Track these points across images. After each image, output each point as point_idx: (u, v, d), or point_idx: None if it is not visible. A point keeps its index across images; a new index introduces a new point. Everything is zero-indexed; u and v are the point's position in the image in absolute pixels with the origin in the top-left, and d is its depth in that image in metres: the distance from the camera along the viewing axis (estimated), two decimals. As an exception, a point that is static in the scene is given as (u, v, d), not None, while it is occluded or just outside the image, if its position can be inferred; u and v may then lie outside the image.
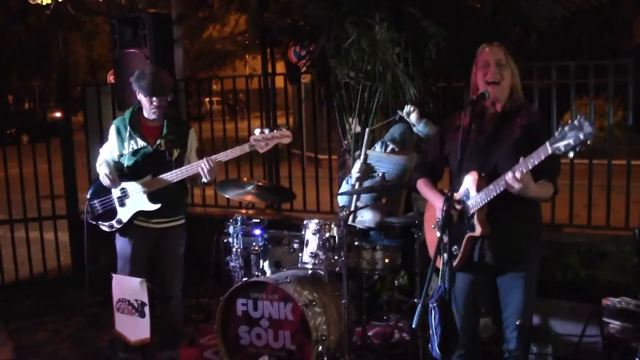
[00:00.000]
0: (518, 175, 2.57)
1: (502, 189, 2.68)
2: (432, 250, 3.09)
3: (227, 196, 4.85)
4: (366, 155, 4.44)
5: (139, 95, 3.90)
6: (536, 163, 2.54)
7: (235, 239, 4.38)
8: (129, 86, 5.36)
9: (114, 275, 3.42)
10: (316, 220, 4.00)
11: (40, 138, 6.60)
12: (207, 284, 5.53)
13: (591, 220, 4.95)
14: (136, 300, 3.25)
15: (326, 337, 3.81)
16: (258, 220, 4.40)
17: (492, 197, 2.73)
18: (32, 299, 5.82)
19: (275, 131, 3.75)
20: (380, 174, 4.31)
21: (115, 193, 3.95)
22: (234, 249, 4.40)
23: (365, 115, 5.03)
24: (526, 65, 5.04)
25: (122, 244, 4.02)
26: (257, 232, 4.33)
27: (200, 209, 6.36)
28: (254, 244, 4.34)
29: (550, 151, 2.47)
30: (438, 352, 2.58)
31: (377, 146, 4.53)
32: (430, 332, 2.61)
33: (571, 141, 2.38)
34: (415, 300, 4.05)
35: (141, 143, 3.92)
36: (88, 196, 4.10)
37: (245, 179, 4.61)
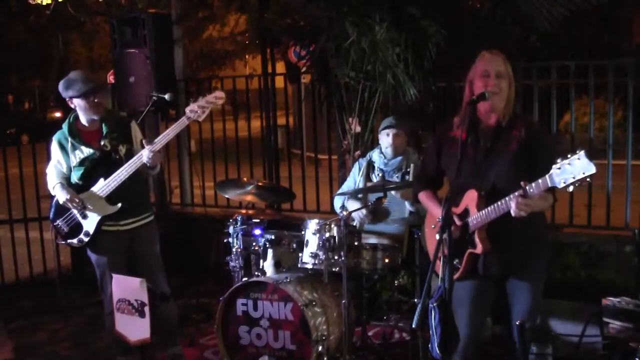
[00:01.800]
0: (524, 213, 2.59)
1: (502, 212, 2.68)
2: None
3: (227, 196, 4.85)
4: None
5: (73, 103, 3.86)
6: (536, 194, 2.55)
7: (235, 239, 4.38)
8: (129, 86, 5.41)
9: (114, 275, 3.41)
10: (316, 220, 4.00)
11: (40, 138, 6.58)
12: (207, 284, 5.55)
13: (591, 220, 4.95)
14: (136, 300, 3.25)
15: (326, 337, 3.81)
16: (258, 220, 4.39)
17: (492, 219, 2.74)
18: (32, 299, 5.82)
19: (208, 96, 3.72)
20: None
21: (75, 207, 3.91)
22: (234, 249, 4.39)
23: (365, 115, 5.03)
24: (526, 65, 5.05)
25: (96, 255, 3.99)
26: (257, 232, 4.33)
27: (200, 209, 6.36)
28: (254, 244, 4.33)
29: (549, 184, 2.46)
30: (438, 352, 2.58)
31: (375, 153, 4.49)
32: (430, 332, 2.61)
33: (571, 178, 2.37)
34: (415, 300, 4.05)
35: (86, 150, 3.89)
36: (50, 217, 4.08)
37: (245, 179, 4.60)
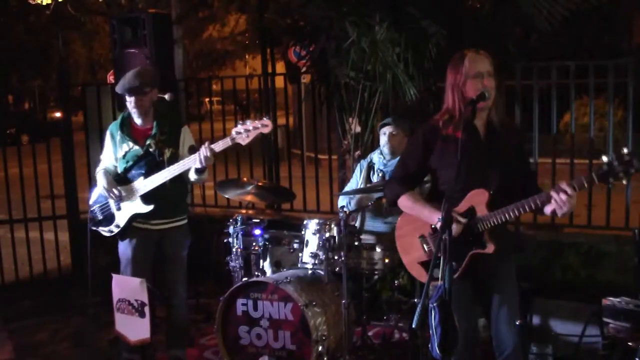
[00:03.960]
0: (571, 192, 2.55)
1: (528, 210, 2.67)
2: (415, 270, 3.04)
3: (227, 196, 4.85)
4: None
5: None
6: (577, 190, 2.57)
7: (235, 239, 4.38)
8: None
9: (114, 275, 3.42)
10: (316, 220, 4.00)
11: (40, 138, 6.59)
12: (207, 284, 5.54)
13: (591, 220, 4.95)
14: (136, 300, 3.25)
15: (326, 337, 3.80)
16: (258, 220, 4.39)
17: (512, 216, 2.71)
18: (32, 299, 5.82)
19: (256, 121, 3.68)
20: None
21: (112, 196, 3.96)
22: (234, 249, 4.39)
23: (365, 115, 5.03)
24: (526, 65, 5.05)
25: (123, 247, 4.03)
26: (257, 232, 4.33)
27: (200, 209, 6.36)
28: (254, 244, 4.34)
29: (597, 182, 2.49)
30: (438, 352, 2.57)
31: (375, 154, 4.49)
32: (430, 332, 2.61)
33: (620, 173, 2.43)
34: (415, 300, 4.05)
35: (132, 145, 3.92)
36: (90, 203, 4.13)
37: (245, 179, 4.60)
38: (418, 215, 2.95)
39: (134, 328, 3.28)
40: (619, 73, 4.83)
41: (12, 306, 5.65)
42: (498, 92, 2.89)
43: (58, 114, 7.84)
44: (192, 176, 3.86)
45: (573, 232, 4.91)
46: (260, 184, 4.49)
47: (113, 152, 4.00)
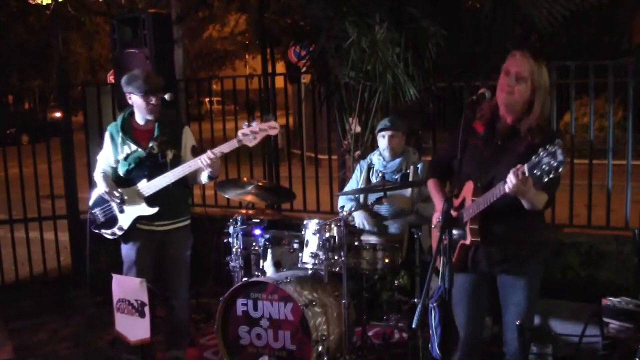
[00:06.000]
0: (514, 180, 2.50)
1: (492, 200, 2.66)
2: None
3: (227, 196, 4.86)
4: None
5: (131, 99, 3.86)
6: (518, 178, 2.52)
7: (235, 239, 4.38)
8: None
9: (113, 275, 3.42)
10: (316, 220, 4.00)
11: (40, 138, 6.59)
12: (207, 284, 5.54)
13: (591, 220, 4.95)
14: (136, 300, 3.25)
15: (326, 337, 3.81)
16: (258, 220, 4.39)
17: (481, 208, 2.72)
18: (32, 299, 5.82)
19: (262, 123, 3.69)
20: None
21: (115, 200, 3.94)
22: (234, 249, 4.39)
23: (365, 115, 5.04)
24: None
25: (126, 249, 4.02)
26: (257, 232, 4.33)
27: (200, 209, 6.36)
28: (254, 244, 4.34)
29: (527, 174, 2.44)
30: (438, 352, 2.58)
31: (375, 155, 4.49)
32: (430, 332, 2.61)
33: (545, 167, 2.36)
34: (415, 300, 4.05)
35: (134, 147, 3.89)
36: (90, 204, 4.10)
37: (245, 179, 4.61)
38: (434, 201, 3.13)
39: (134, 328, 3.28)
40: (619, 73, 4.82)
41: (12, 306, 5.65)
42: (546, 98, 2.83)
43: (58, 114, 7.83)
44: (204, 179, 3.89)
45: (573, 232, 4.90)
46: (260, 184, 4.49)
47: (113, 154, 3.96)
